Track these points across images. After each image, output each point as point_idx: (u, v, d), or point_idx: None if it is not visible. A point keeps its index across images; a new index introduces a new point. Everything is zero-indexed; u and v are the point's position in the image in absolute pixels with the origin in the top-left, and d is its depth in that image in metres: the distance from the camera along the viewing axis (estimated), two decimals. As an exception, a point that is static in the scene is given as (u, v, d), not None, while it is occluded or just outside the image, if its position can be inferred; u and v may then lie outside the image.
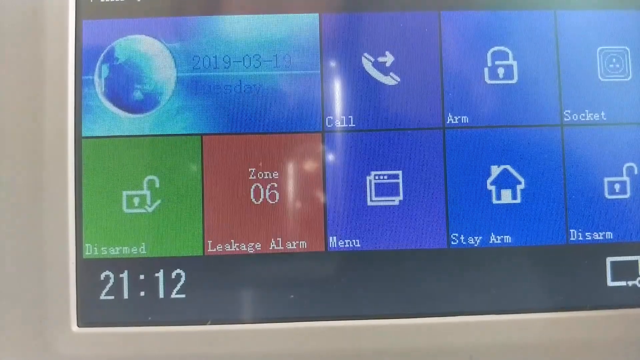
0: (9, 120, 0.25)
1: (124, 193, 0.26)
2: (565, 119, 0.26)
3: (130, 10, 0.26)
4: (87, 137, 0.26)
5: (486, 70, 0.26)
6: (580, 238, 0.26)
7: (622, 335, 0.25)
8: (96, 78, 0.26)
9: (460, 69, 0.26)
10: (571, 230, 0.26)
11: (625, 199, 0.26)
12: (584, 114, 0.26)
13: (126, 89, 0.26)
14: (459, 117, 0.26)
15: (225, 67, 0.26)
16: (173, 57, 0.26)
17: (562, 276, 0.26)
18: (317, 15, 0.26)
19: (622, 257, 0.26)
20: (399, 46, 0.26)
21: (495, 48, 0.26)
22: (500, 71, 0.26)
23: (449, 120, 0.26)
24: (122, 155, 0.26)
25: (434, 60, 0.26)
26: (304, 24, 0.26)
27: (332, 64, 0.26)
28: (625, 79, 0.26)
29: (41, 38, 0.26)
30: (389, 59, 0.26)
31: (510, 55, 0.26)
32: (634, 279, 0.26)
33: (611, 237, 0.26)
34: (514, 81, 0.26)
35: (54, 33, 0.26)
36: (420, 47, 0.26)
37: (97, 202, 0.26)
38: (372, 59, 0.26)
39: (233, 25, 0.26)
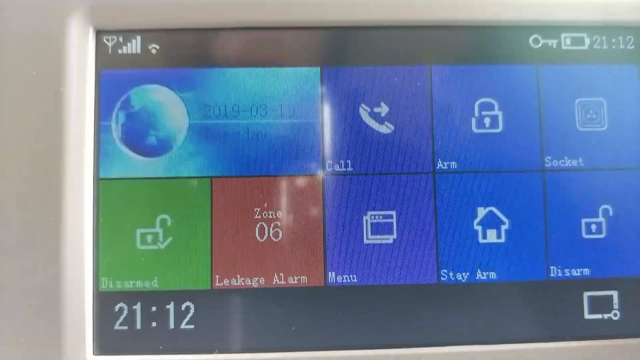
0: (32, 162, 0.27)
1: (138, 231, 0.28)
2: (546, 165, 0.28)
3: (146, 61, 0.28)
4: (104, 179, 0.28)
5: (473, 120, 0.28)
6: (560, 274, 0.28)
7: (598, 364, 0.27)
8: (113, 124, 0.28)
9: (450, 119, 0.28)
10: (551, 267, 0.28)
11: (601, 238, 0.28)
12: (563, 160, 0.28)
13: (141, 135, 0.28)
14: (448, 162, 0.28)
15: (234, 116, 0.28)
16: (185, 105, 0.28)
17: (543, 309, 0.28)
18: (318, 68, 0.28)
19: (598, 292, 0.28)
20: (393, 97, 0.28)
21: (482, 99, 0.28)
22: (487, 121, 0.28)
23: (438, 165, 0.28)
24: (136, 195, 0.28)
25: (425, 111, 0.28)
26: (306, 77, 0.28)
27: (332, 113, 0.28)
28: (602, 129, 0.28)
29: (63, 86, 0.27)
30: (384, 109, 0.28)
31: (496, 106, 0.28)
32: (609, 312, 0.28)
33: (588, 274, 0.28)
34: (499, 130, 0.28)
35: (75, 81, 0.27)
36: (412, 98, 0.28)
37: (113, 238, 0.28)
38: (369, 109, 0.28)
39: (242, 77, 0.28)
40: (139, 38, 0.28)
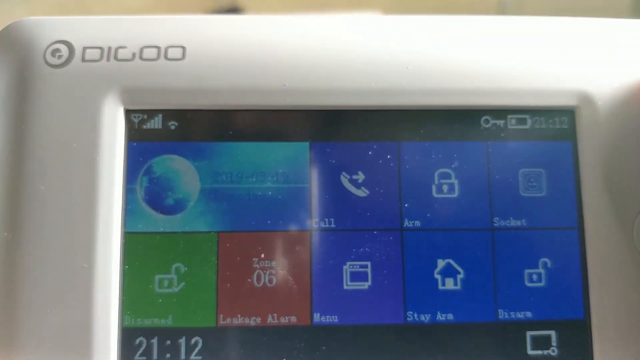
0: (70, 217, 0.32)
1: (157, 276, 0.33)
2: (494, 224, 0.34)
3: (166, 135, 0.34)
4: (129, 232, 0.33)
5: (434, 186, 0.34)
6: (507, 316, 0.33)
7: (539, 394, 0.33)
8: (137, 187, 0.33)
9: (414, 185, 0.34)
10: (499, 310, 0.33)
11: (541, 286, 0.33)
12: (509, 221, 0.34)
13: (161, 196, 0.33)
14: (413, 221, 0.33)
15: (238, 181, 0.33)
16: (198, 172, 0.33)
17: (492, 346, 0.33)
18: (307, 143, 0.34)
19: (539, 332, 0.33)
20: (368, 167, 0.34)
21: (441, 170, 0.34)
22: (445, 187, 0.34)
23: (405, 224, 0.33)
24: (156, 246, 0.33)
25: (394, 178, 0.34)
26: (297, 150, 0.34)
27: (318, 179, 0.34)
28: (541, 194, 0.34)
29: (98, 155, 0.32)
30: (361, 176, 0.34)
31: (453, 175, 0.34)
32: (549, 349, 0.33)
33: (530, 316, 0.33)
34: (455, 195, 0.34)
35: (108, 151, 0.33)
36: (384, 168, 0.34)
37: (136, 283, 0.32)
38: (349, 177, 0.34)
39: (245, 150, 0.34)
40: (160, 116, 0.34)
